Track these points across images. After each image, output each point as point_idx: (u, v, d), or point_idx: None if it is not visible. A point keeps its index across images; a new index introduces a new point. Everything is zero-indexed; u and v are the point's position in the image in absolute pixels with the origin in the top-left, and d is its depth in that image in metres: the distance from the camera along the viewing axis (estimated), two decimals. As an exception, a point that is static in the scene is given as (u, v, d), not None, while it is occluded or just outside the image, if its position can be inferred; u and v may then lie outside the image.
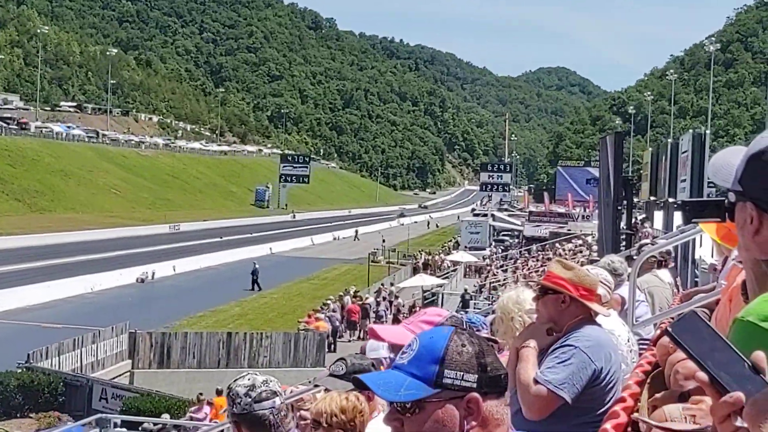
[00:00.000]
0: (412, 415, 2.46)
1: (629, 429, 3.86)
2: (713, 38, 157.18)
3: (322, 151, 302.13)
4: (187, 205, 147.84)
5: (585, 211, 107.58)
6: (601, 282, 6.89)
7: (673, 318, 6.52)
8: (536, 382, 4.95)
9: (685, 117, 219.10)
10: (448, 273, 72.64)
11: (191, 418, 27.53)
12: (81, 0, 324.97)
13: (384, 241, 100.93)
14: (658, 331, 6.64)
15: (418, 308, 41.75)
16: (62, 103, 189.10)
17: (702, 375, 1.89)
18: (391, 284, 62.69)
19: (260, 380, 4.80)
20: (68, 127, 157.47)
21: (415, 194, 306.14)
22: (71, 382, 33.40)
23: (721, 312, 3.61)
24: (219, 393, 28.52)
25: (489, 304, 38.46)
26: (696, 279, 19.51)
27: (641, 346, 6.93)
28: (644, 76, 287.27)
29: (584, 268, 6.43)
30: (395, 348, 4.31)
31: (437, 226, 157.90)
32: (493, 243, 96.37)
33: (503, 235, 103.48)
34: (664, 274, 11.35)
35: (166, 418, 27.55)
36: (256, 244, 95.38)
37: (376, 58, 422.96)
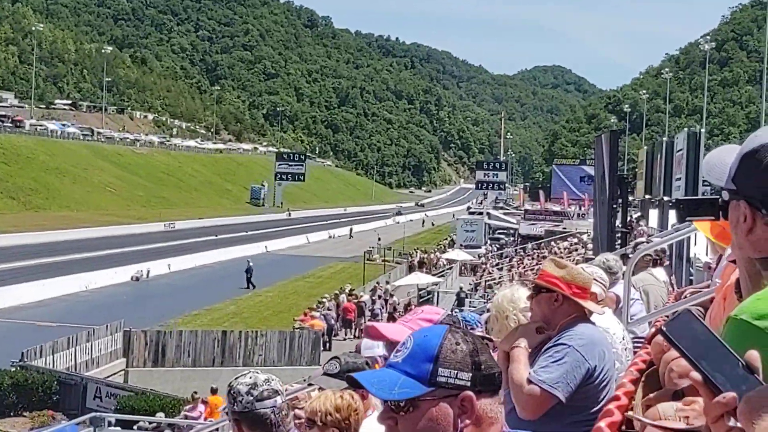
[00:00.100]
0: (406, 414, 2.45)
1: (623, 427, 3.86)
2: (708, 37, 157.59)
3: (317, 149, 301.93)
4: (183, 203, 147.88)
5: (580, 209, 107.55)
6: (596, 280, 6.88)
7: (667, 316, 6.52)
8: (530, 381, 4.95)
9: (680, 115, 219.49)
10: (443, 271, 72.67)
11: (186, 417, 27.51)
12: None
13: (379, 239, 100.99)
14: (653, 330, 6.64)
15: (413, 306, 41.75)
16: (57, 101, 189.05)
17: (696, 375, 1.89)
18: (387, 282, 62.68)
19: (262, 379, 4.79)
20: (63, 124, 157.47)
21: (411, 192, 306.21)
22: (65, 380, 33.36)
23: (716, 310, 3.61)
24: (214, 392, 28.53)
25: (484, 303, 38.50)
26: (691, 277, 19.53)
27: (636, 345, 6.94)
28: (639, 74, 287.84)
29: (579, 266, 6.43)
30: (395, 346, 4.30)
31: (433, 225, 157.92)
32: (489, 241, 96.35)
33: (499, 233, 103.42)
34: (659, 273, 11.35)
35: (160, 416, 27.51)
36: (251, 243, 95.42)
37: (372, 57, 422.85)
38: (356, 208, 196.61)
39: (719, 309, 3.47)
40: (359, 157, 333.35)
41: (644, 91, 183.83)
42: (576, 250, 63.64)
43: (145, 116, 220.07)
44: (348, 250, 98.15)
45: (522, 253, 79.56)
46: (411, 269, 73.34)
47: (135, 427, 26.24)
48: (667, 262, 15.76)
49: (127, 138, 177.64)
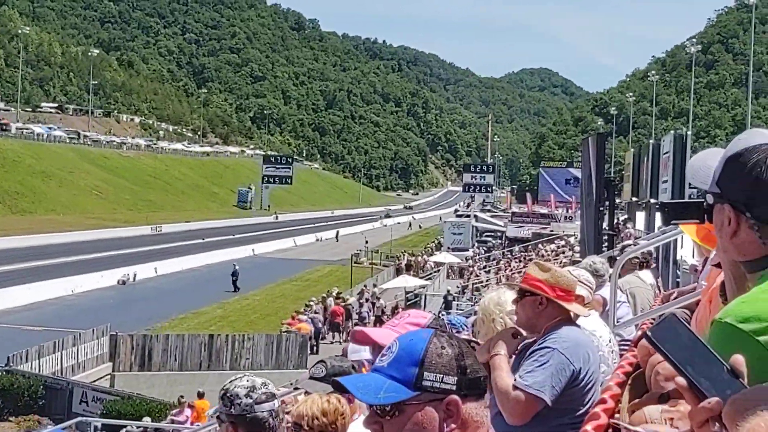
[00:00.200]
0: (392, 418, 2.45)
1: (610, 430, 3.86)
2: (694, 40, 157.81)
3: (304, 152, 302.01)
4: (169, 206, 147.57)
5: (567, 211, 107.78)
6: (582, 283, 6.89)
7: (654, 319, 6.53)
8: (515, 387, 4.95)
9: (666, 118, 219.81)
10: (431, 274, 72.63)
11: (172, 421, 27.48)
12: (62, 0, 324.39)
13: (367, 242, 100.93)
14: (640, 332, 6.65)
15: (400, 309, 41.72)
16: (43, 104, 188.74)
17: (681, 380, 1.89)
18: (374, 285, 62.66)
19: (259, 382, 4.78)
20: (49, 128, 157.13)
21: (398, 195, 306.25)
22: (51, 385, 33.28)
23: (702, 313, 3.62)
24: (200, 396, 28.48)
25: (472, 305, 38.51)
26: (677, 279, 19.56)
27: (622, 347, 6.94)
28: (626, 77, 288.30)
29: (565, 269, 6.43)
30: (382, 350, 4.28)
31: (420, 227, 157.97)
32: (476, 244, 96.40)
33: (486, 236, 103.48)
34: (646, 275, 11.36)
35: (147, 421, 27.45)
36: (238, 246, 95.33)
37: (359, 59, 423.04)
38: (343, 211, 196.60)
39: (705, 312, 3.48)
40: (346, 160, 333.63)
41: (631, 94, 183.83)
42: (563, 252, 63.69)
43: (132, 119, 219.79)
44: (335, 253, 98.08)
45: (509, 256, 79.55)
46: (398, 272, 73.29)
47: (121, 431, 26.18)
48: (654, 265, 15.77)
49: (114, 141, 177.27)
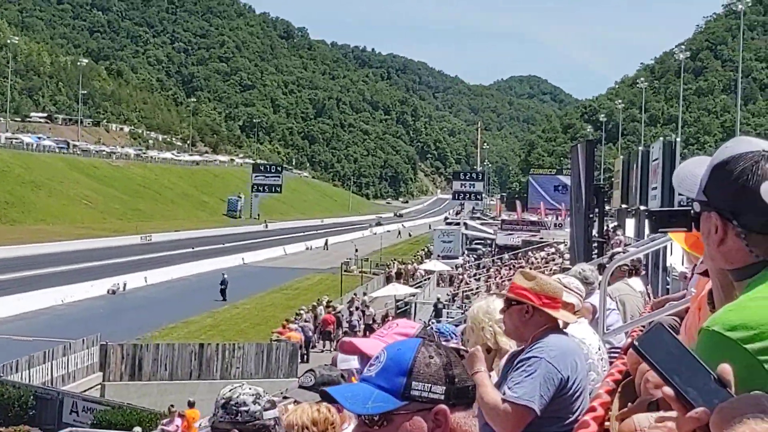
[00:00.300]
0: (380, 428, 2.45)
1: (599, 438, 3.86)
2: (683, 46, 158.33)
3: (294, 160, 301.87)
4: (159, 215, 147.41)
5: (557, 219, 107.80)
6: (572, 291, 6.89)
7: (644, 326, 6.53)
8: (504, 401, 4.95)
9: (655, 125, 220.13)
10: (421, 282, 72.63)
11: (163, 431, 27.43)
12: (51, 10, 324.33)
13: (357, 250, 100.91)
14: (629, 340, 6.65)
15: (390, 318, 41.68)
16: (33, 114, 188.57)
17: (668, 389, 1.90)
18: (364, 294, 62.60)
19: (261, 390, 4.78)
20: (39, 137, 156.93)
21: (388, 203, 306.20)
22: (42, 395, 33.18)
23: (691, 320, 3.62)
24: (191, 405, 28.44)
25: (462, 313, 38.53)
26: (667, 287, 19.57)
27: (612, 355, 6.94)
28: (615, 84, 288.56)
29: (555, 276, 6.43)
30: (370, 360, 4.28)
31: (410, 235, 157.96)
32: (466, 252, 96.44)
33: (476, 243, 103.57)
34: (636, 283, 11.37)
35: (137, 431, 27.41)
36: (228, 255, 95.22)
37: (348, 68, 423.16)
38: (333, 219, 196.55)
39: (694, 319, 3.48)
40: (336, 168, 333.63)
41: (620, 101, 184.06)
42: (553, 260, 63.85)
43: (121, 128, 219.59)
44: (325, 261, 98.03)
45: (499, 264, 79.63)
46: (388, 280, 73.29)
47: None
48: (644, 272, 15.79)
49: (103, 150, 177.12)
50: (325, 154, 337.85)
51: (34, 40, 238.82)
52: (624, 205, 44.48)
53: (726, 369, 1.90)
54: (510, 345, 5.65)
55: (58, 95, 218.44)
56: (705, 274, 2.84)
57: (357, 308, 54.67)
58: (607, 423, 3.89)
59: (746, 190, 2.22)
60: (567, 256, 50.66)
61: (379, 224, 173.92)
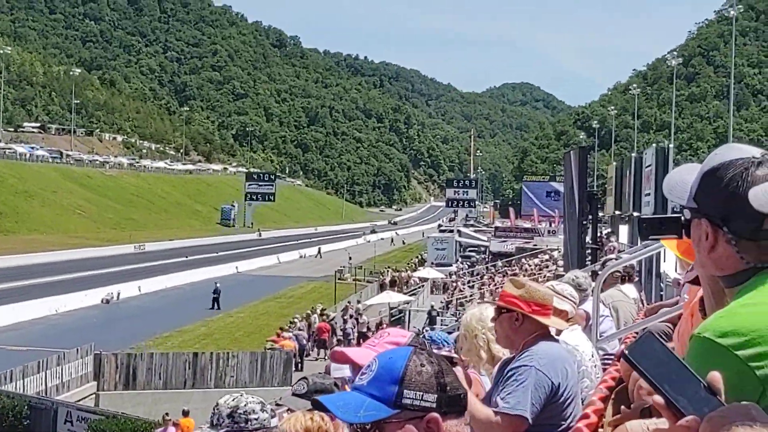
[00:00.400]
0: (372, 437, 2.44)
1: (593, 445, 3.85)
2: (675, 52, 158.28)
3: (287, 168, 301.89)
4: (152, 224, 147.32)
5: (551, 226, 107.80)
6: (566, 297, 6.89)
7: (637, 332, 6.53)
8: (496, 413, 4.95)
9: (648, 131, 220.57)
10: (415, 289, 72.61)
11: (158, 440, 27.38)
12: (44, 20, 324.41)
13: (350, 258, 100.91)
14: (623, 346, 6.65)
15: (384, 325, 41.63)
16: (26, 124, 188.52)
17: (658, 398, 1.90)
18: (358, 302, 62.57)
19: (260, 398, 4.79)
20: (32, 147, 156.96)
21: (381, 211, 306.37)
22: (36, 405, 33.08)
23: (683, 327, 3.62)
24: (185, 414, 28.39)
25: (456, 321, 38.51)
26: (661, 293, 19.59)
27: (606, 361, 6.93)
28: (608, 90, 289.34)
29: (549, 283, 6.44)
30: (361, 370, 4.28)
31: (403, 243, 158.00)
32: (460, 259, 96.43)
33: (469, 251, 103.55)
34: (629, 289, 11.37)
35: (132, 439, 27.34)
36: (222, 263, 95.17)
37: (341, 76, 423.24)
38: (327, 227, 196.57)
39: (687, 325, 3.48)
40: (329, 177, 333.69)
41: (612, 107, 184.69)
42: (547, 266, 63.80)
43: (114, 138, 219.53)
44: (319, 269, 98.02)
45: (493, 271, 79.59)
46: (382, 288, 73.26)
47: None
48: (637, 279, 15.79)
49: (97, 160, 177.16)
50: (319, 163, 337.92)
51: (27, 50, 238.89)
52: (617, 212, 44.52)
53: (716, 377, 1.91)
54: (503, 352, 5.65)
55: (51, 105, 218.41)
56: (694, 282, 2.84)
57: (351, 316, 54.67)
58: (600, 430, 3.88)
59: (736, 196, 2.23)
60: (561, 262, 50.73)
61: (373, 232, 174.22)
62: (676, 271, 11.27)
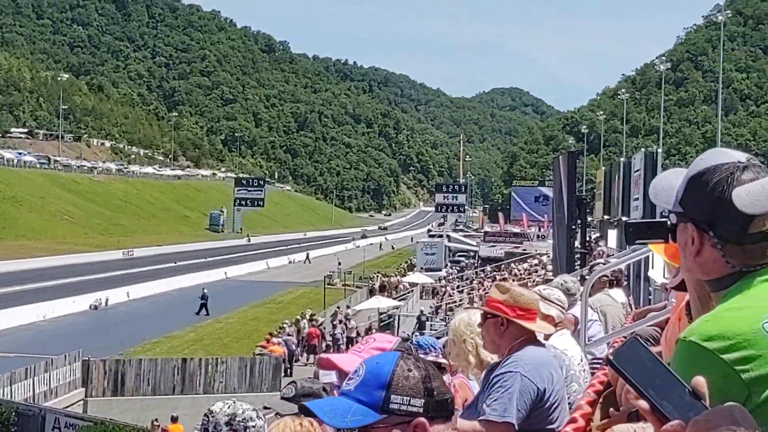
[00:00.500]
0: (360, 442, 2.44)
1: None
2: (664, 57, 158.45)
3: (276, 174, 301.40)
4: (141, 230, 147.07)
5: (540, 230, 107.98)
6: (553, 302, 6.90)
7: (625, 337, 6.54)
8: (482, 422, 4.96)
9: (637, 136, 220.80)
10: (404, 295, 72.61)
11: (146, 445, 27.35)
12: (31, 25, 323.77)
13: (340, 263, 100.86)
14: (611, 351, 6.66)
15: (374, 331, 41.62)
16: (13, 130, 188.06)
17: (643, 403, 1.91)
18: (348, 307, 62.55)
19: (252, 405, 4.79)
20: (19, 153, 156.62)
21: (371, 216, 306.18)
22: (24, 411, 32.99)
23: (671, 331, 3.63)
24: (174, 420, 28.37)
25: (445, 326, 38.51)
26: (650, 297, 19.64)
27: (594, 366, 6.95)
28: (596, 95, 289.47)
29: (537, 287, 6.44)
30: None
31: (393, 248, 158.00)
32: (449, 264, 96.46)
33: (459, 255, 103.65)
34: (617, 293, 11.39)
35: (121, 446, 27.31)
36: (210, 269, 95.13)
37: (330, 81, 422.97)
38: (316, 232, 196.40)
39: (675, 329, 3.49)
40: (318, 182, 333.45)
41: (601, 112, 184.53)
42: (536, 271, 63.93)
43: (103, 143, 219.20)
44: (308, 275, 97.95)
45: (482, 276, 79.65)
46: (372, 293, 73.22)
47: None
48: (625, 283, 15.82)
49: (85, 166, 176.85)
50: (308, 168, 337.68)
51: (14, 55, 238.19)
52: (606, 216, 44.62)
53: (700, 382, 1.92)
54: (492, 357, 5.66)
55: (39, 111, 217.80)
56: (678, 288, 2.85)
57: (340, 321, 54.67)
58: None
59: (722, 201, 2.24)
60: (550, 267, 50.83)
61: (364, 237, 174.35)
62: (663, 276, 11.29)
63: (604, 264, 13.33)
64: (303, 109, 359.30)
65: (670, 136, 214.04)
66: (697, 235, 2.30)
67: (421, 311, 56.84)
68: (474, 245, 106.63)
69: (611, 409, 3.78)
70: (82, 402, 38.50)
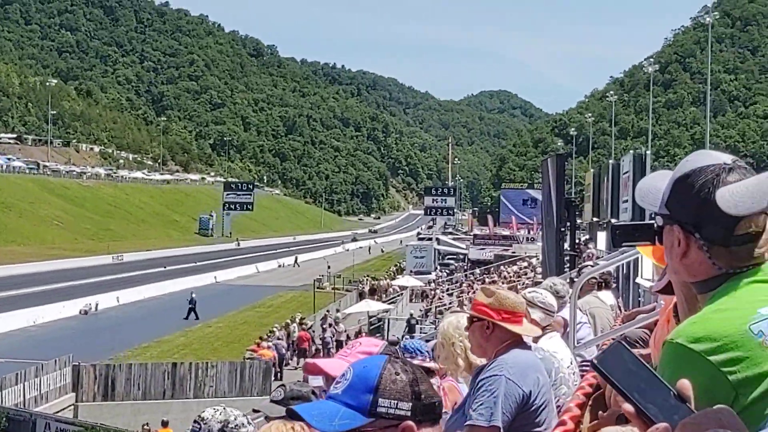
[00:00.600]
0: (347, 445, 2.44)
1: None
2: (652, 59, 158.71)
3: (265, 178, 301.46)
4: (130, 235, 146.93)
5: (529, 233, 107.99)
6: (536, 305, 6.91)
7: (614, 339, 6.55)
8: (469, 427, 4.97)
9: (626, 138, 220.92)
10: (394, 298, 72.56)
11: (137, 450, 27.31)
12: (20, 31, 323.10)
13: (329, 267, 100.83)
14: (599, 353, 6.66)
15: (363, 334, 41.56)
16: (2, 135, 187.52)
17: (629, 406, 1.92)
18: (337, 310, 62.50)
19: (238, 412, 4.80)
20: (8, 158, 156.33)
21: (360, 219, 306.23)
22: (14, 417, 32.94)
23: (659, 333, 3.63)
24: (164, 424, 28.34)
25: (435, 329, 38.49)
26: (639, 299, 19.65)
27: (584, 368, 6.95)
28: (585, 97, 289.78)
29: (527, 290, 6.45)
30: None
31: (382, 251, 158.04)
32: (439, 267, 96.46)
33: (448, 258, 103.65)
34: (606, 296, 11.39)
35: (111, 451, 27.27)
36: (200, 273, 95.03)
37: (318, 84, 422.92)
38: (305, 236, 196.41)
39: (663, 331, 3.49)
40: (307, 186, 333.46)
41: (590, 114, 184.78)
42: (525, 273, 63.81)
43: (91, 148, 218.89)
44: (297, 278, 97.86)
45: (472, 278, 79.61)
46: (361, 296, 73.19)
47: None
48: (614, 285, 15.83)
49: (74, 171, 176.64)
50: (297, 172, 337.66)
51: (2, 60, 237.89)
52: (595, 219, 44.67)
53: (685, 384, 1.93)
54: (481, 360, 5.66)
55: (28, 116, 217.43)
56: (663, 291, 2.85)
57: (330, 325, 54.64)
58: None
59: (708, 202, 2.24)
60: (539, 269, 50.78)
61: (354, 240, 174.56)
62: (652, 279, 11.30)
63: (592, 266, 13.35)
64: (291, 113, 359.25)
65: (659, 138, 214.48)
66: (684, 237, 2.31)
67: (411, 314, 56.76)
68: (463, 248, 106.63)
69: (600, 412, 3.78)
70: (72, 407, 38.43)
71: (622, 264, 16.33)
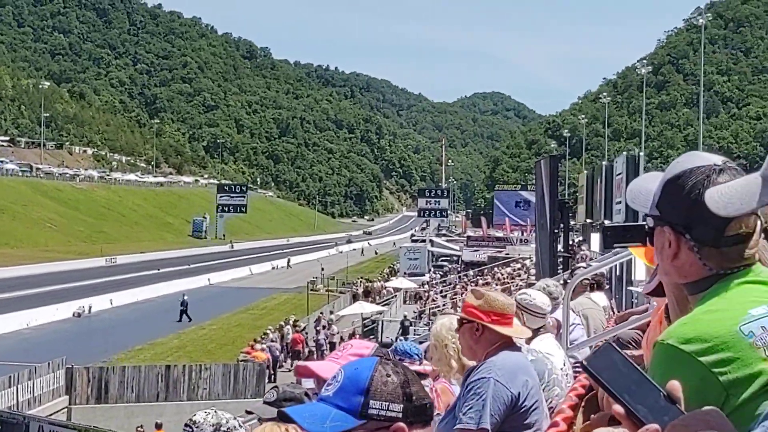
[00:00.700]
0: (339, 447, 2.44)
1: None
2: (645, 61, 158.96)
3: (259, 180, 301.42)
4: (124, 237, 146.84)
5: (523, 234, 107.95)
6: (525, 308, 6.92)
7: (607, 340, 6.55)
8: (459, 431, 4.98)
9: (619, 139, 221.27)
10: (387, 300, 72.56)
11: (131, 453, 27.28)
12: (13, 33, 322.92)
13: (323, 269, 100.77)
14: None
15: (357, 336, 41.57)
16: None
17: (619, 408, 1.91)
18: (331, 312, 62.50)
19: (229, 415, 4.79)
20: (1, 161, 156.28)
21: (354, 222, 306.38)
22: (7, 420, 32.84)
23: (652, 334, 3.62)
24: (158, 426, 28.31)
25: (428, 330, 38.50)
26: (633, 300, 19.66)
27: (577, 369, 6.94)
28: (578, 99, 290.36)
29: (521, 291, 6.45)
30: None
31: (376, 253, 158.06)
32: (432, 269, 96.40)
33: (442, 260, 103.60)
34: (599, 297, 11.40)
35: (105, 453, 27.23)
36: (194, 276, 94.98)
37: (312, 87, 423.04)
38: (299, 238, 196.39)
39: (656, 332, 3.48)
40: (301, 188, 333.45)
41: (583, 116, 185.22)
42: (519, 275, 63.81)
43: (85, 151, 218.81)
44: (291, 281, 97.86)
45: (465, 280, 79.59)
46: (355, 298, 73.18)
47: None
48: (607, 286, 15.84)
49: (67, 173, 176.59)
50: (290, 174, 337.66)
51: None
52: (589, 220, 44.75)
53: (675, 385, 1.92)
54: (473, 362, 5.66)
55: (21, 118, 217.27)
56: (653, 293, 2.86)
57: (324, 327, 54.66)
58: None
59: (698, 204, 2.24)
60: (533, 271, 50.80)
61: (349, 242, 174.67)
62: (635, 278, 11.31)
63: (585, 268, 13.36)
64: (285, 115, 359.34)
65: (652, 139, 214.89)
66: (674, 239, 2.31)
67: (405, 316, 56.74)
68: (457, 250, 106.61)
69: (593, 413, 3.78)
70: (66, 410, 38.36)
71: (615, 265, 16.33)
